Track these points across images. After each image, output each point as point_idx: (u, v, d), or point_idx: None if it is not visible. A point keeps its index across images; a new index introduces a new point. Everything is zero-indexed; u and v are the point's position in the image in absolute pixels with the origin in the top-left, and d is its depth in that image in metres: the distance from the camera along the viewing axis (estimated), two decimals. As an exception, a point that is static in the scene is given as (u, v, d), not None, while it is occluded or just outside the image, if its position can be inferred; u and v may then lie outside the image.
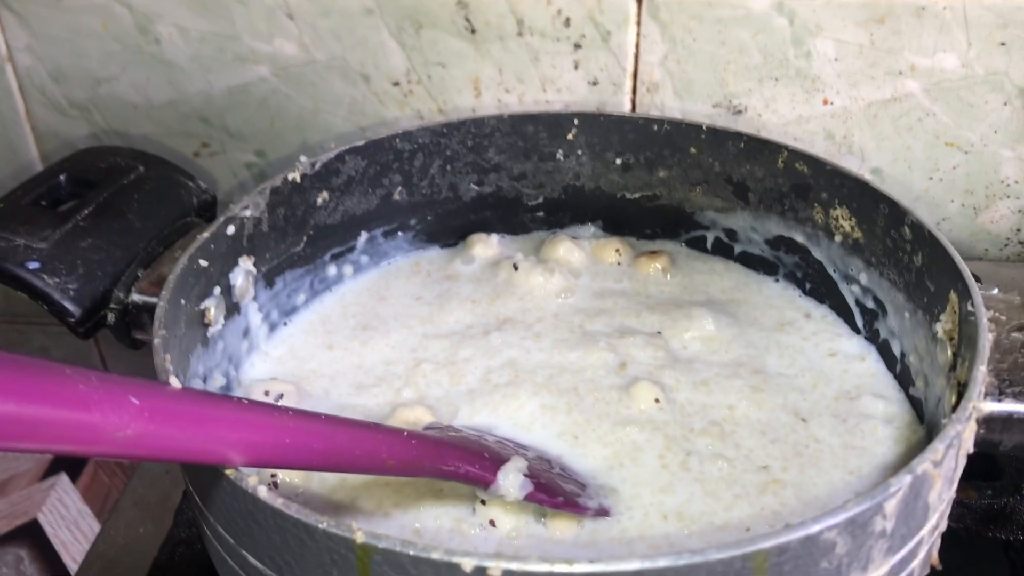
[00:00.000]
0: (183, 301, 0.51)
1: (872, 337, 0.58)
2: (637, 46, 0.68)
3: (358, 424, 0.43)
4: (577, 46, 0.68)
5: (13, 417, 0.30)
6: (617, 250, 0.66)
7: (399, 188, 0.64)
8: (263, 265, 0.58)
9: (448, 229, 0.67)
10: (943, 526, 0.45)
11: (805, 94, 0.68)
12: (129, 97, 0.74)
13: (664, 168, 0.65)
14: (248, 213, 0.56)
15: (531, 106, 0.70)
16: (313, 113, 0.73)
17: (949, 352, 0.50)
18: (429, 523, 0.47)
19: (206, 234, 0.53)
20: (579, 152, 0.66)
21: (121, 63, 0.72)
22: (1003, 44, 0.64)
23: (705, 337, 0.59)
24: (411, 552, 0.35)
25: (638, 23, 0.67)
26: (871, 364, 0.57)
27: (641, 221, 0.67)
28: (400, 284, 0.64)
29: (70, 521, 0.77)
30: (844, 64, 0.67)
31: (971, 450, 0.45)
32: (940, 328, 0.51)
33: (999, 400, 0.46)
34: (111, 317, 0.54)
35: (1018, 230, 0.71)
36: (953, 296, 0.50)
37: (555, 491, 0.47)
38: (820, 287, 0.62)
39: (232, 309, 0.55)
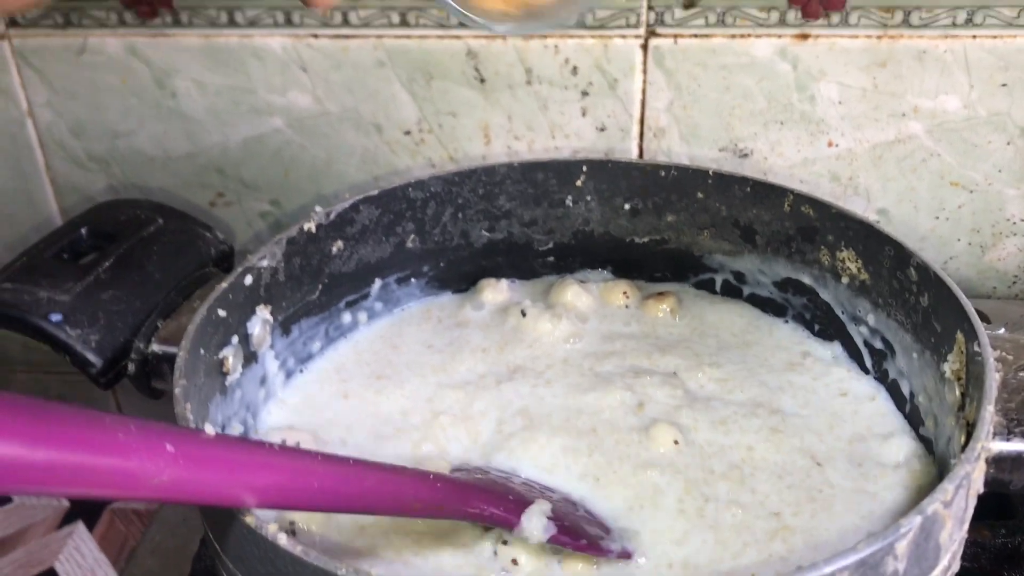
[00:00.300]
0: (202, 351, 0.52)
1: (881, 377, 0.59)
2: (643, 93, 0.69)
3: (385, 467, 0.44)
4: (585, 93, 0.69)
5: (55, 464, 0.31)
6: (625, 293, 0.66)
7: (412, 236, 0.66)
8: (279, 313, 0.59)
9: (460, 275, 0.68)
10: (956, 566, 0.45)
11: (810, 137, 0.69)
12: (147, 150, 0.75)
13: (672, 213, 0.66)
14: (265, 263, 0.57)
15: (540, 153, 0.72)
16: (327, 163, 0.74)
17: (957, 392, 0.50)
18: (450, 570, 0.48)
19: (224, 284, 0.54)
20: (588, 198, 0.67)
21: (139, 117, 0.74)
22: (1004, 85, 0.66)
23: (719, 377, 0.59)
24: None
25: (644, 71, 0.68)
26: (881, 404, 0.58)
27: (650, 265, 0.68)
28: (412, 331, 0.65)
29: (87, 569, 0.77)
30: (848, 107, 0.68)
31: (981, 490, 0.45)
32: (948, 368, 0.51)
33: (1008, 439, 0.46)
34: (131, 367, 0.55)
35: (1025, 267, 0.72)
36: (960, 336, 0.50)
37: (579, 534, 0.48)
38: (829, 328, 0.62)
39: (250, 357, 0.56)
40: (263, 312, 0.57)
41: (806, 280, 0.62)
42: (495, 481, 0.51)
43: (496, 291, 0.67)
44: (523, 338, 0.63)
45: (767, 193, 0.62)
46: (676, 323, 0.65)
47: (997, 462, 0.46)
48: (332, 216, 0.61)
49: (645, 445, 0.55)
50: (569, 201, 0.67)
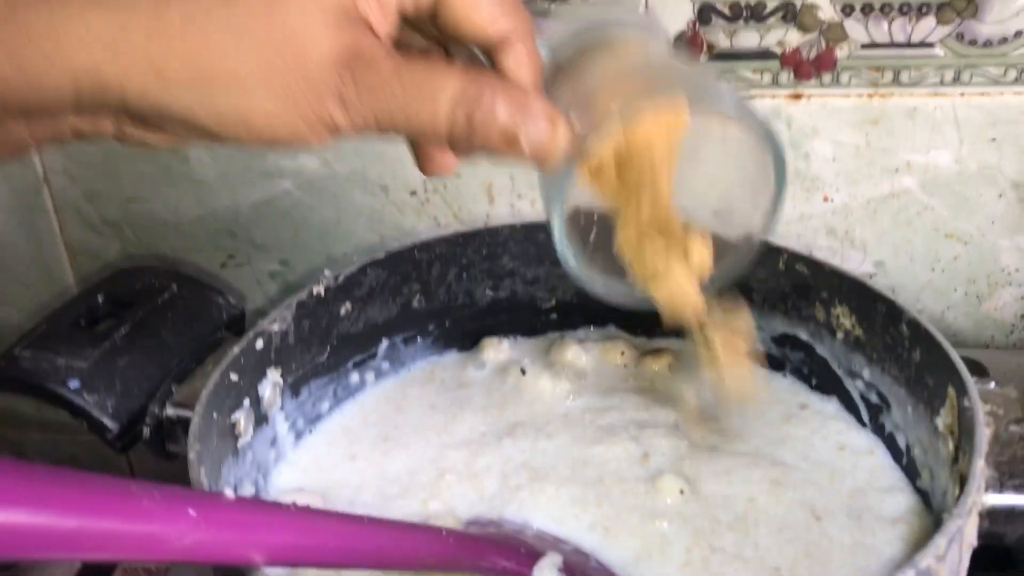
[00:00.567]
0: (215, 414, 0.53)
1: (878, 431, 0.60)
2: (642, 152, 0.70)
3: (398, 524, 0.46)
4: (585, 154, 0.71)
5: (84, 532, 0.33)
6: (622, 352, 0.67)
7: (418, 296, 0.67)
8: (290, 375, 0.60)
9: (465, 333, 0.70)
10: (953, 619, 0.46)
11: (805, 192, 0.71)
12: (159, 214, 0.77)
13: (671, 270, 0.67)
14: (276, 327, 0.59)
15: (543, 211, 0.73)
16: (335, 223, 0.76)
17: (951, 445, 0.51)
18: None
19: (237, 349, 0.56)
20: (590, 256, 0.68)
21: (152, 183, 0.76)
22: (993, 140, 0.67)
23: (721, 428, 0.60)
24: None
25: (642, 130, 0.70)
26: (879, 458, 0.58)
27: (651, 321, 0.69)
28: (416, 393, 0.66)
29: (101, 625, 0.78)
30: (842, 163, 0.69)
31: (975, 543, 0.46)
32: (941, 422, 0.52)
33: (1001, 492, 0.47)
34: (146, 432, 0.57)
35: (1023, 316, 0.73)
36: (951, 391, 0.51)
37: None
38: (826, 382, 0.63)
39: (261, 420, 0.58)
40: (274, 375, 0.59)
41: (802, 336, 0.63)
42: (507, 534, 0.53)
43: (498, 350, 0.68)
44: (523, 396, 0.65)
45: (762, 252, 0.63)
46: (674, 378, 0.66)
47: (991, 515, 0.47)
48: (341, 279, 0.63)
49: (652, 496, 0.56)
50: (571, 259, 0.68)
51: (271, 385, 0.58)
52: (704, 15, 0.65)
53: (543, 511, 0.55)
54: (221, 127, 0.37)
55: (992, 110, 0.66)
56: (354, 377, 0.65)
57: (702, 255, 0.47)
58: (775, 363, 0.66)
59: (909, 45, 0.65)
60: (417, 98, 0.37)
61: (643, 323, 0.69)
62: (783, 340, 0.65)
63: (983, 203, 0.69)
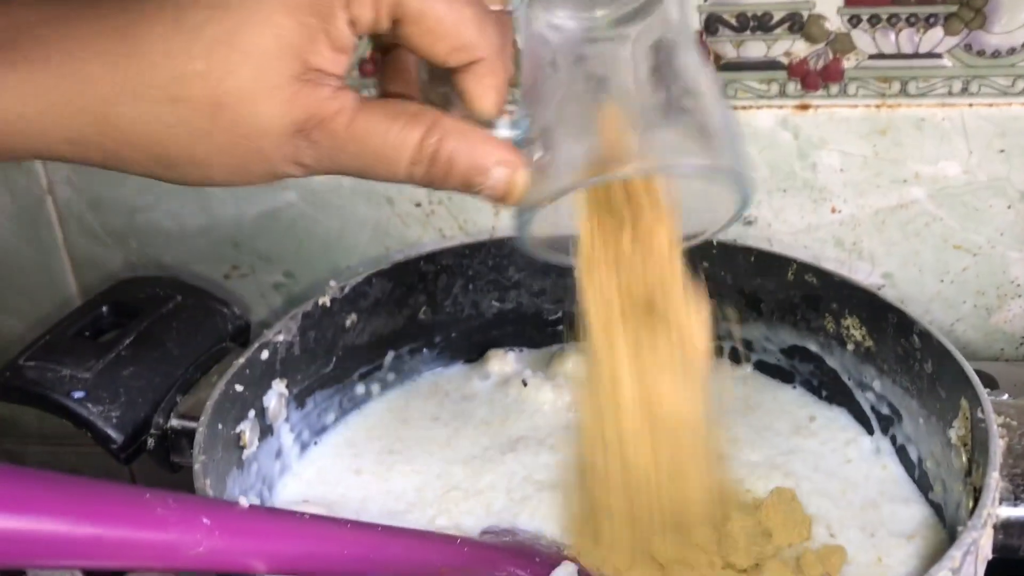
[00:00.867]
0: (220, 425, 0.53)
1: (889, 443, 0.59)
2: (649, 163, 0.70)
3: (413, 533, 0.46)
4: (591, 165, 0.71)
5: (98, 540, 0.33)
6: (627, 363, 0.67)
7: (424, 307, 0.67)
8: (295, 387, 0.60)
9: (471, 344, 0.69)
10: (969, 633, 0.45)
11: (813, 204, 0.70)
12: (163, 224, 0.77)
13: (679, 281, 0.67)
14: (281, 338, 0.58)
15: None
16: (340, 235, 0.75)
17: (964, 458, 0.51)
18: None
19: (241, 360, 0.55)
20: (596, 267, 0.68)
21: (156, 193, 0.75)
22: (1002, 151, 0.67)
23: (730, 439, 0.60)
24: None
25: (649, 142, 0.70)
26: (892, 471, 0.58)
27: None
28: (419, 405, 0.66)
29: (103, 639, 0.77)
30: (850, 174, 0.69)
31: (990, 556, 0.46)
32: (954, 434, 0.52)
33: (1015, 505, 0.47)
34: (151, 443, 0.57)
35: (1032, 329, 0.73)
36: (964, 403, 0.51)
37: None
38: (836, 394, 0.63)
39: (265, 431, 0.57)
40: (279, 386, 0.58)
41: (812, 347, 0.63)
42: (522, 543, 0.52)
43: (503, 362, 0.68)
44: (525, 408, 0.64)
45: (771, 262, 0.63)
46: (680, 388, 0.66)
47: (1005, 528, 0.47)
48: (346, 290, 0.62)
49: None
50: (577, 270, 0.68)
51: (276, 396, 0.58)
52: (711, 25, 0.65)
53: (554, 521, 0.55)
54: (185, 184, 0.40)
55: (1001, 121, 0.66)
56: (359, 389, 0.65)
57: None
58: (784, 375, 0.65)
59: (917, 56, 0.65)
60: (373, 157, 0.38)
61: (650, 335, 0.69)
62: (792, 352, 0.64)
63: (992, 214, 0.69)
